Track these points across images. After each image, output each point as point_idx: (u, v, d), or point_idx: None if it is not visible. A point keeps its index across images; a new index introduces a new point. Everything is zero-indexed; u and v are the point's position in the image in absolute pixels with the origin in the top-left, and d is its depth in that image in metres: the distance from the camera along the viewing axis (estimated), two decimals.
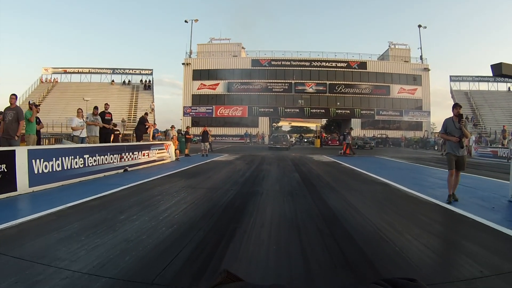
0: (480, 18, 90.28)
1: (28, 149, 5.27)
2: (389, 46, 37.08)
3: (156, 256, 2.34)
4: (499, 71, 4.65)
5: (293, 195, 4.92)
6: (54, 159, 5.67)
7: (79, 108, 7.59)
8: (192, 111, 34.99)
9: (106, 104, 9.21)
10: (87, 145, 7.00)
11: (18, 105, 5.75)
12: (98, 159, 6.94)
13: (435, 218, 3.69)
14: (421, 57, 35.69)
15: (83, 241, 2.70)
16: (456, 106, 4.59)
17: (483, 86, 35.92)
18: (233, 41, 36.85)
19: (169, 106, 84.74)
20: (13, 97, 5.55)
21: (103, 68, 37.44)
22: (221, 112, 34.78)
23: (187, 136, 13.38)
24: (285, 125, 48.07)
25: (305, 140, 34.93)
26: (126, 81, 36.86)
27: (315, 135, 34.07)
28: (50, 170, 5.57)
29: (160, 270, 2.09)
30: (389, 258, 2.37)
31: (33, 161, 5.21)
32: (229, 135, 33.55)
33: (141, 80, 36.73)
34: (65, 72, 36.89)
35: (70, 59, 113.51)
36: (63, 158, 5.90)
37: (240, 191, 5.15)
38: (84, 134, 7.30)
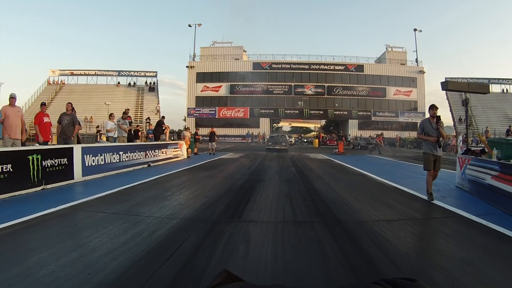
0: (481, 19, 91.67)
1: (82, 147, 6.75)
2: (386, 49, 38.57)
3: (203, 210, 3.83)
4: (446, 87, 6.12)
5: (289, 181, 6.40)
6: (99, 154, 7.14)
7: (111, 113, 9.08)
8: (196, 112, 36.49)
9: (127, 109, 10.69)
10: (121, 143, 8.47)
11: (73, 111, 7.17)
12: (129, 155, 8.42)
13: (390, 195, 5.11)
14: (416, 60, 37.20)
15: (150, 205, 4.15)
16: (432, 108, 4.67)
17: None
18: (235, 44, 38.39)
19: (170, 106, 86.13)
20: (69, 105, 7.01)
21: (109, 70, 38.67)
22: (223, 113, 36.26)
23: (196, 136, 14.87)
24: (285, 125, 49.49)
25: (305, 140, 36.35)
26: (132, 83, 38.25)
27: (314, 135, 35.57)
28: (97, 164, 7.03)
29: (208, 215, 3.58)
30: (345, 212, 3.83)
31: (85, 156, 6.68)
32: (231, 135, 35.02)
33: (146, 82, 38.11)
34: (72, 74, 38.08)
35: (76, 61, 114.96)
36: (105, 154, 7.37)
37: (248, 179, 6.64)
38: (116, 134, 8.79)
